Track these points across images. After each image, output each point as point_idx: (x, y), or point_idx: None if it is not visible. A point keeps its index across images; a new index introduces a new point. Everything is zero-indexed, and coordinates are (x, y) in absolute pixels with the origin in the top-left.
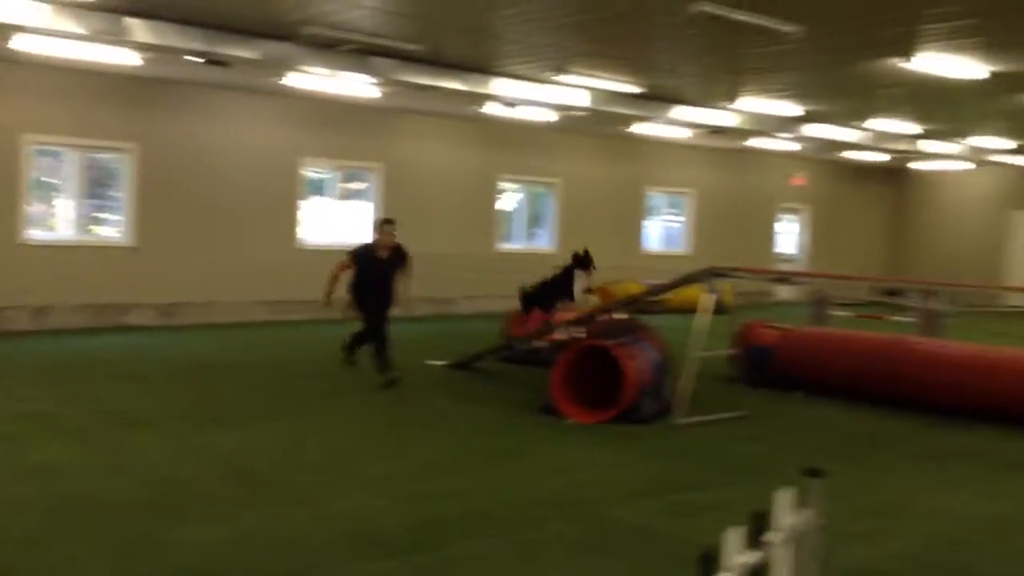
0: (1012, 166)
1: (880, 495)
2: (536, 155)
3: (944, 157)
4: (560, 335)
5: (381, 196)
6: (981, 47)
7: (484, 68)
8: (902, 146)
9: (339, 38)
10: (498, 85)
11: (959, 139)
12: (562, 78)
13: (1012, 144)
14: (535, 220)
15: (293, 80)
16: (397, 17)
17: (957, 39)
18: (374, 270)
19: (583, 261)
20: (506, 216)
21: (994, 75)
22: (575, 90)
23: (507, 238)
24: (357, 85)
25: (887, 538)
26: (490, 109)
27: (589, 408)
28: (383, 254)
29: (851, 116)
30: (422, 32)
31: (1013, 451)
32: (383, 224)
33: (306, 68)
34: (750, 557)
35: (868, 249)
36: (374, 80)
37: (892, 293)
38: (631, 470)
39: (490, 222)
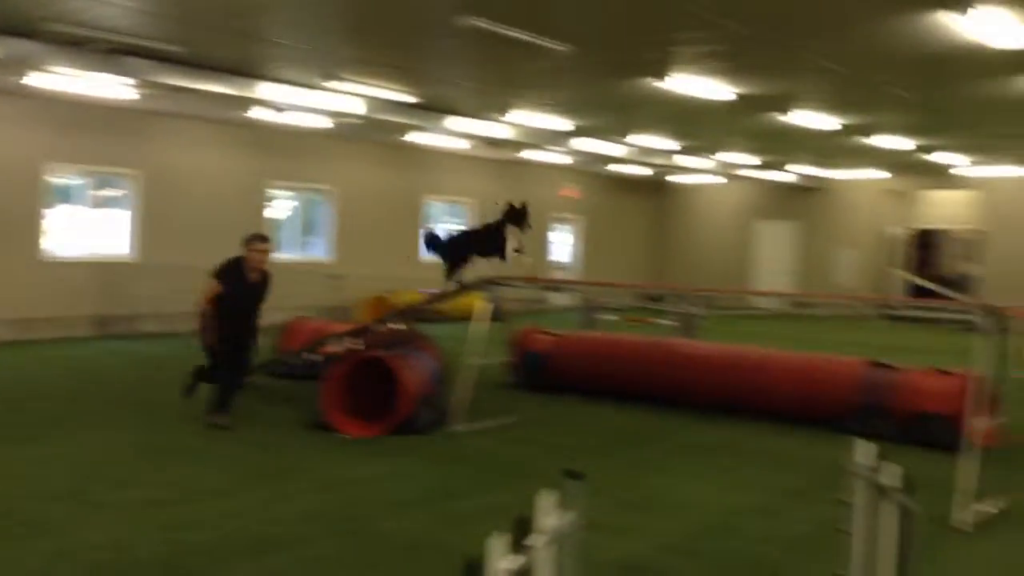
0: (756, 180)
1: (642, 489)
2: (310, 162)
3: (699, 171)
4: (335, 347)
5: (140, 204)
6: (728, 71)
7: (251, 72)
8: (662, 160)
9: (89, 36)
10: (266, 89)
11: (711, 155)
12: (334, 84)
13: (756, 160)
14: (309, 229)
15: (37, 80)
16: (154, 16)
17: (706, 63)
18: (242, 296)
19: (518, 215)
20: (278, 225)
21: (740, 96)
22: (348, 97)
23: (279, 248)
24: (111, 86)
25: (648, 530)
26: (259, 114)
27: (366, 421)
28: (254, 277)
29: (616, 131)
30: (183, 33)
31: (757, 443)
32: (257, 240)
33: (51, 67)
34: (514, 562)
35: (635, 257)
36: (129, 81)
37: (654, 299)
38: (404, 482)
39: (261, 231)
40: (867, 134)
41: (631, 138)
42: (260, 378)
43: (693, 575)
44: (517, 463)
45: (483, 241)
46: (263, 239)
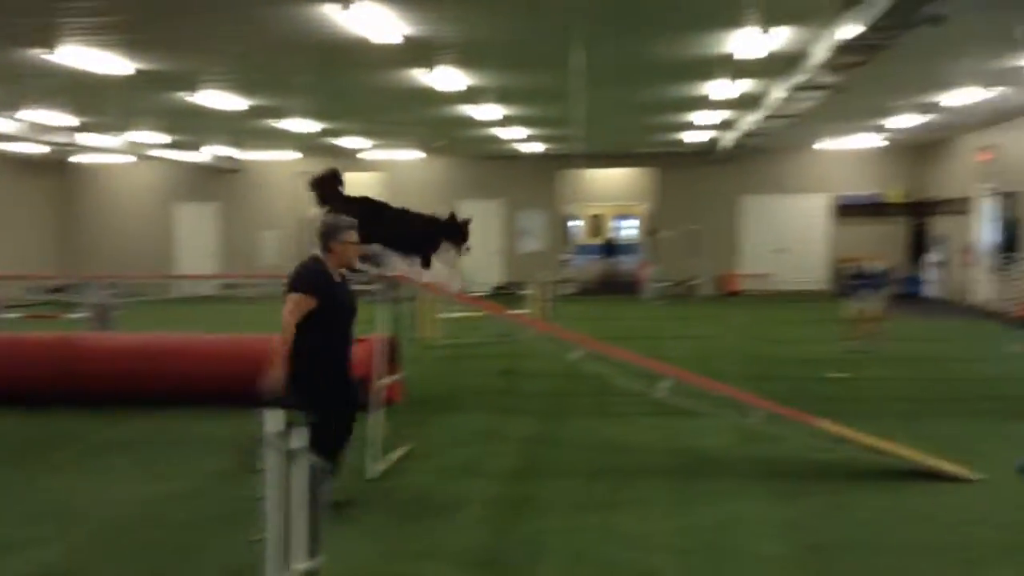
0: (171, 160)
1: (52, 496)
2: None
3: (106, 151)
4: None
5: None
6: (124, 44)
7: None
8: (62, 138)
9: None
10: None
11: (118, 133)
12: None
13: (167, 140)
14: None
15: None
16: None
17: (99, 34)
18: (336, 308)
19: (455, 230)
20: None
21: (140, 72)
22: None
23: None
24: None
25: (59, 536)
26: None
27: None
28: (339, 280)
29: (2, 105)
30: None
31: (182, 430)
32: (350, 229)
33: None
34: None
35: (34, 246)
36: None
37: (60, 290)
38: None
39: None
40: (276, 117)
41: (22, 113)
42: None
43: (106, 574)
44: None
45: (421, 236)
46: (351, 227)
